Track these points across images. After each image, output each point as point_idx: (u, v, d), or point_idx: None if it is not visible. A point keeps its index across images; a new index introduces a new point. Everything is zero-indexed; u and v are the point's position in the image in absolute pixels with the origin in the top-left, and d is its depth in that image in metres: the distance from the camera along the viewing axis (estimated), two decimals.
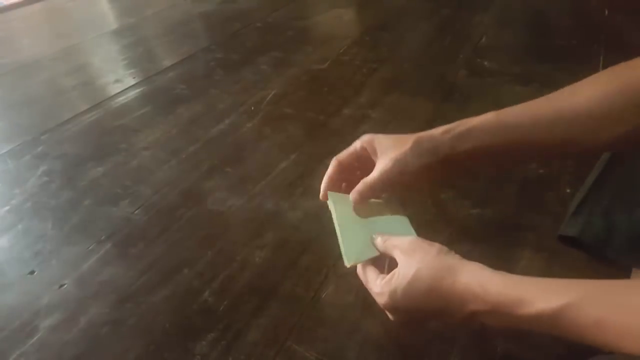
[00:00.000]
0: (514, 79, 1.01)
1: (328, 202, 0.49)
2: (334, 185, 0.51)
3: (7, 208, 0.75)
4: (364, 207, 0.49)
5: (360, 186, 0.48)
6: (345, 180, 0.51)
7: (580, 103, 0.45)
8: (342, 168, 0.50)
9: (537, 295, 0.37)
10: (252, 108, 0.99)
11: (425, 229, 0.62)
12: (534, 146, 0.47)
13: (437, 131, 0.47)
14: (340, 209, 0.48)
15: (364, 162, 0.50)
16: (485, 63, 1.10)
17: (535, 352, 0.48)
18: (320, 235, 0.65)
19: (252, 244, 0.64)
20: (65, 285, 0.61)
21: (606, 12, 1.34)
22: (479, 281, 0.40)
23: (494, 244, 0.61)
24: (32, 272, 0.63)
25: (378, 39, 1.32)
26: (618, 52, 1.09)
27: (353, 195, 0.48)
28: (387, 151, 0.48)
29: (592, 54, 1.08)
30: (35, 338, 0.54)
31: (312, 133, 0.89)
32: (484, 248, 0.61)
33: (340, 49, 1.24)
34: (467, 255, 0.59)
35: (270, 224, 0.67)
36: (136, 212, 0.72)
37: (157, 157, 0.85)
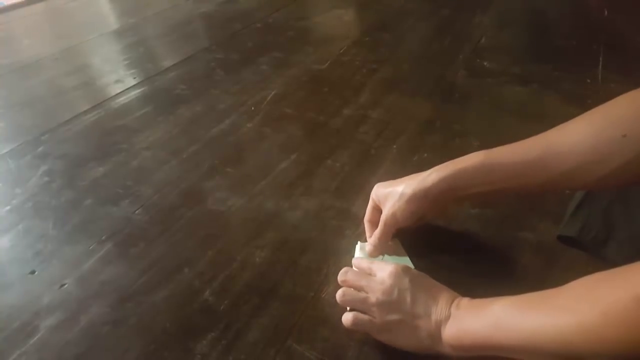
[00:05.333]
0: (513, 79, 1.01)
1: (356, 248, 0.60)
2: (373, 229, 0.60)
3: (8, 208, 0.76)
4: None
5: (371, 241, 0.57)
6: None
7: (569, 140, 0.47)
8: (375, 224, 0.59)
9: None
10: (253, 108, 0.99)
11: (425, 229, 0.62)
12: (522, 185, 0.50)
13: (426, 177, 0.53)
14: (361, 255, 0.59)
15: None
16: (485, 63, 1.10)
17: None
18: (320, 235, 0.65)
19: (252, 244, 0.64)
20: (66, 285, 0.61)
21: (606, 12, 1.34)
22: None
23: (494, 244, 0.62)
24: (32, 272, 0.63)
25: (378, 39, 1.32)
26: (618, 52, 1.10)
27: (368, 247, 0.58)
28: (385, 204, 0.56)
29: (592, 54, 1.08)
30: (35, 338, 0.54)
31: (312, 133, 0.89)
32: (484, 248, 0.61)
33: (340, 49, 1.24)
34: (467, 255, 0.60)
35: (270, 224, 0.68)
36: (137, 212, 0.72)
37: (157, 157, 0.85)
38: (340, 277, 0.52)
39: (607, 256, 0.54)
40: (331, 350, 0.50)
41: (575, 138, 0.46)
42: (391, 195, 0.55)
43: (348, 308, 0.50)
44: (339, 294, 0.50)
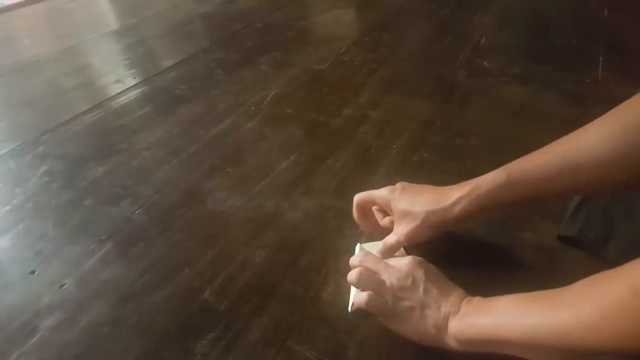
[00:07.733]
0: (513, 79, 1.01)
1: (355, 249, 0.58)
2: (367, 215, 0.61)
3: (8, 208, 0.76)
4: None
5: (382, 248, 0.56)
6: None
7: (588, 148, 0.47)
8: (369, 220, 0.61)
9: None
10: (253, 108, 0.99)
11: None
12: (543, 196, 0.51)
13: (451, 206, 0.52)
14: None
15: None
16: (485, 63, 1.10)
17: None
18: (320, 235, 0.65)
19: (252, 244, 0.64)
20: (66, 285, 0.61)
21: (606, 12, 1.34)
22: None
23: (494, 244, 0.62)
24: (32, 272, 0.63)
25: (378, 39, 1.32)
26: (618, 52, 1.10)
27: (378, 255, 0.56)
28: (401, 221, 0.55)
29: (592, 54, 1.08)
30: (35, 338, 0.54)
31: (312, 133, 0.89)
32: (484, 248, 0.61)
33: (340, 49, 1.24)
34: (468, 255, 0.60)
35: (270, 224, 0.68)
36: (137, 212, 0.72)
37: (157, 157, 0.85)
38: (357, 259, 0.52)
39: (607, 256, 0.54)
40: (331, 350, 0.50)
41: (593, 145, 0.46)
42: (411, 216, 0.54)
43: (358, 290, 0.50)
44: (354, 275, 0.50)
